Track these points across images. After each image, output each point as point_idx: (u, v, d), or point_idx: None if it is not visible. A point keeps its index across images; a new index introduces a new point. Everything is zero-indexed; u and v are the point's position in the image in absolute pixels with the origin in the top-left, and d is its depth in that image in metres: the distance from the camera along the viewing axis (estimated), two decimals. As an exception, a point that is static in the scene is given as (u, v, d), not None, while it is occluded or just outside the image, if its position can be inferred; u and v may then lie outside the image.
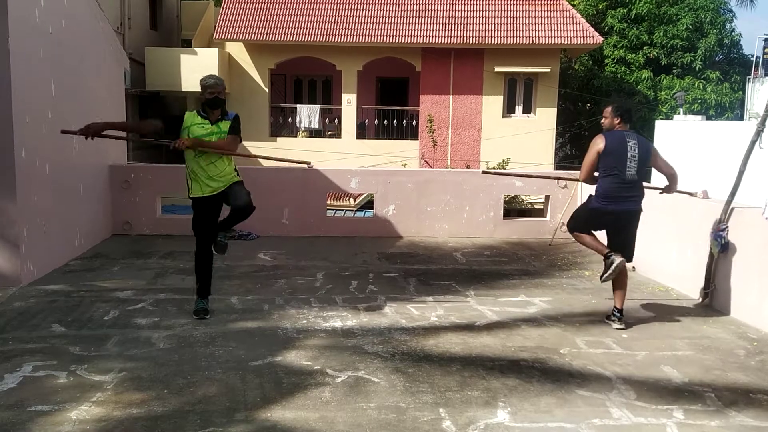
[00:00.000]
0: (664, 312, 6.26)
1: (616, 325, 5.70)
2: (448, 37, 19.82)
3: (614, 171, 5.59)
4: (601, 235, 5.95)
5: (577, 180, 6.25)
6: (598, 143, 5.65)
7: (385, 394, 4.25)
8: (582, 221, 5.89)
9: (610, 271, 5.64)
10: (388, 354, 4.97)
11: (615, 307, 5.80)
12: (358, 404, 4.11)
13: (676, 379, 4.62)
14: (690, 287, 6.78)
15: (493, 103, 20.56)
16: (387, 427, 3.82)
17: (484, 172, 9.37)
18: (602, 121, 5.85)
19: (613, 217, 5.71)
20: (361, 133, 21.21)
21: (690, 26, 24.02)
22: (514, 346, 5.21)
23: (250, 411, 3.99)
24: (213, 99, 5.50)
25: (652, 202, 7.87)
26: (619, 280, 5.81)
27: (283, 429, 3.78)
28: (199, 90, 5.62)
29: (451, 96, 20.63)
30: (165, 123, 5.65)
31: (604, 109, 5.84)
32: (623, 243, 5.81)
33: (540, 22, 19.83)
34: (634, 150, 5.60)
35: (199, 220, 5.66)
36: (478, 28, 19.88)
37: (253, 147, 19.76)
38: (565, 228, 9.84)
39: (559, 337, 5.44)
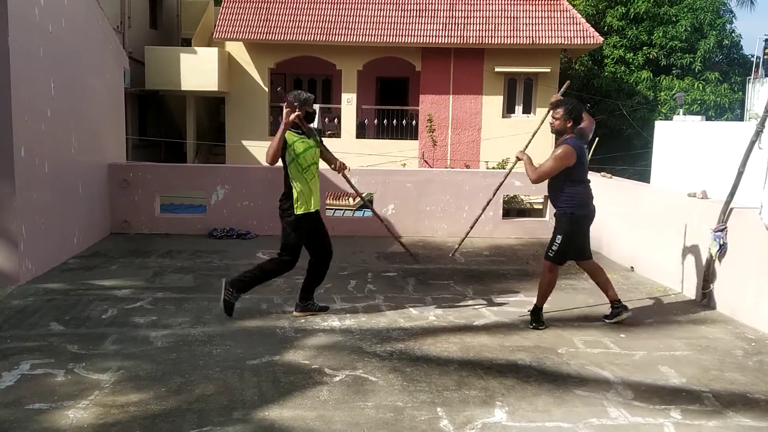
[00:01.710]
0: (662, 312, 6.26)
1: (626, 314, 5.77)
2: (448, 36, 19.81)
3: (583, 178, 5.58)
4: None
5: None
6: (571, 157, 5.42)
7: (382, 394, 4.26)
8: (568, 241, 5.60)
9: (534, 325, 5.68)
10: (386, 353, 4.97)
11: (612, 301, 5.84)
12: (355, 403, 4.11)
13: (673, 379, 4.62)
14: (688, 287, 6.79)
15: (492, 103, 20.56)
16: (384, 426, 3.82)
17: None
18: (552, 122, 5.59)
19: (590, 220, 5.71)
20: (361, 132, 21.21)
21: (689, 27, 24.04)
22: (512, 346, 5.21)
23: (248, 410, 3.99)
24: (314, 112, 5.69)
25: (650, 203, 7.89)
26: (599, 279, 5.86)
27: (281, 428, 3.79)
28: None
29: (451, 96, 20.63)
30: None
31: (555, 110, 5.56)
32: (589, 243, 5.87)
33: (540, 22, 19.82)
34: (586, 156, 5.64)
35: (307, 236, 5.69)
36: (478, 28, 19.88)
37: (252, 146, 19.79)
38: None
39: (557, 337, 5.44)
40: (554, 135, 5.69)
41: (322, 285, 6.84)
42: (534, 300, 6.37)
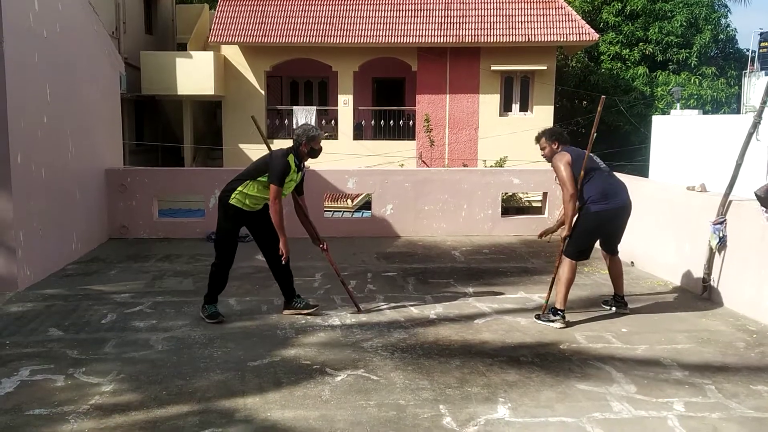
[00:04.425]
0: (663, 306, 6.25)
1: (625, 309, 5.96)
2: (443, 36, 19.82)
3: (592, 172, 5.60)
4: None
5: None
6: (565, 156, 5.56)
7: (384, 392, 4.24)
8: (583, 238, 5.65)
9: (548, 325, 5.59)
10: (388, 352, 4.96)
11: (617, 294, 6.00)
12: (357, 402, 4.09)
13: (676, 372, 4.61)
14: (688, 281, 6.78)
15: (489, 102, 20.56)
16: (387, 425, 3.80)
17: None
18: (542, 153, 5.80)
19: (615, 215, 5.70)
20: (358, 134, 21.20)
21: (685, 22, 24.06)
22: (513, 343, 5.20)
23: (250, 411, 3.97)
24: (320, 150, 5.75)
25: (650, 196, 7.88)
26: (615, 271, 6.00)
27: (283, 428, 3.77)
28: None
29: (448, 95, 20.63)
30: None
31: (539, 141, 5.77)
32: (619, 238, 5.94)
33: (536, 20, 19.84)
34: (595, 158, 5.71)
35: (234, 233, 5.73)
36: (473, 27, 19.89)
37: (249, 149, 19.77)
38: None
39: (558, 333, 5.43)
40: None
41: (322, 286, 6.85)
42: (535, 297, 6.38)
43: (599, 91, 23.21)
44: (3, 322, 5.64)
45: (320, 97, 22.98)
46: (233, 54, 20.75)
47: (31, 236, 6.90)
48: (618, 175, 9.39)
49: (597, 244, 5.95)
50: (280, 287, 5.93)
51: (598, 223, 5.64)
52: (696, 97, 23.28)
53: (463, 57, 20.30)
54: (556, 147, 5.66)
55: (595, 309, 6.09)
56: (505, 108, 20.96)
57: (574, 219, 5.66)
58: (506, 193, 13.54)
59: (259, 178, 5.57)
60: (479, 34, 19.76)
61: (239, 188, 5.60)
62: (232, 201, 5.61)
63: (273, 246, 5.71)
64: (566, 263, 5.63)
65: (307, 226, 5.91)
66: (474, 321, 5.75)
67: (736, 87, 23.61)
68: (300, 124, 5.74)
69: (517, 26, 19.76)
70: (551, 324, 5.57)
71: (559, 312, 5.61)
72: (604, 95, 6.27)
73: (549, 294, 5.82)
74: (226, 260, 5.74)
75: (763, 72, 20.24)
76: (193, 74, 19.59)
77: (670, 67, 24.44)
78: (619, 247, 8.05)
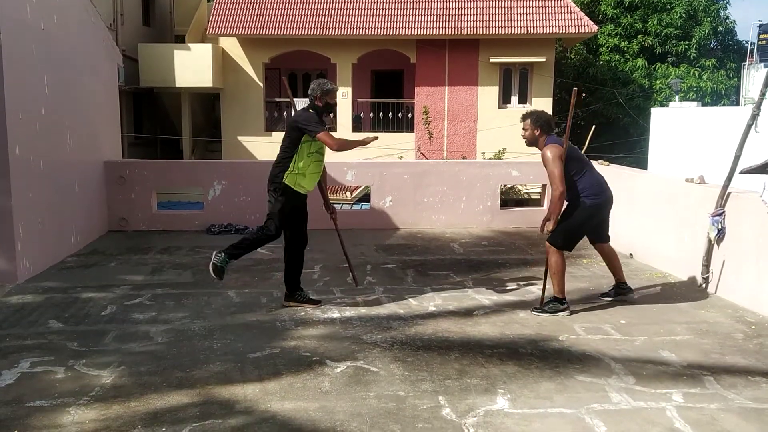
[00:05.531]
0: (661, 298, 6.26)
1: (632, 295, 6.06)
2: (442, 28, 19.75)
3: (586, 168, 5.68)
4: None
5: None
6: (557, 149, 5.50)
7: (384, 383, 4.25)
8: (575, 230, 5.66)
9: (555, 315, 5.61)
10: (387, 344, 4.97)
11: (623, 282, 6.08)
12: (357, 393, 4.10)
13: (674, 363, 4.62)
14: (687, 273, 6.79)
15: (488, 94, 20.51)
16: (387, 416, 3.81)
17: None
18: (523, 133, 5.75)
19: (606, 207, 5.77)
20: (357, 126, 21.16)
21: (684, 14, 24.01)
22: (512, 334, 5.21)
23: (250, 402, 3.98)
24: (335, 104, 5.70)
25: (648, 188, 7.89)
26: (612, 262, 6.07)
27: (283, 419, 3.78)
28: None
29: (447, 87, 20.58)
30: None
31: (524, 121, 5.73)
32: (608, 225, 5.98)
33: (534, 11, 19.76)
34: (577, 149, 5.72)
35: (290, 208, 5.65)
36: (472, 19, 19.81)
37: (248, 142, 19.76)
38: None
39: (557, 324, 5.44)
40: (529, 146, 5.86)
41: (321, 278, 6.86)
42: (534, 288, 6.39)
43: (598, 83, 23.19)
44: (3, 315, 5.65)
45: (319, 89, 22.89)
46: (231, 46, 20.67)
47: (30, 228, 6.90)
48: (617, 167, 9.45)
49: (585, 241, 5.99)
50: (286, 276, 5.88)
51: (591, 214, 5.68)
52: (695, 89, 23.24)
53: (461, 49, 20.24)
54: (538, 133, 5.65)
55: (594, 301, 6.10)
56: (504, 100, 20.90)
57: (562, 211, 5.66)
58: (505, 185, 13.54)
59: (301, 146, 5.51)
60: (478, 26, 19.69)
61: (290, 168, 5.53)
62: (287, 181, 5.53)
63: (300, 231, 5.75)
64: (554, 253, 5.64)
65: (322, 191, 6.03)
66: (473, 313, 5.76)
67: (736, 79, 23.60)
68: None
69: (516, 18, 19.69)
70: (559, 314, 5.60)
71: (563, 301, 5.63)
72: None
73: (544, 286, 5.84)
74: (298, 241, 5.74)
75: (762, 64, 20.26)
76: (192, 66, 19.52)
77: (669, 59, 24.41)
78: (618, 239, 8.08)
